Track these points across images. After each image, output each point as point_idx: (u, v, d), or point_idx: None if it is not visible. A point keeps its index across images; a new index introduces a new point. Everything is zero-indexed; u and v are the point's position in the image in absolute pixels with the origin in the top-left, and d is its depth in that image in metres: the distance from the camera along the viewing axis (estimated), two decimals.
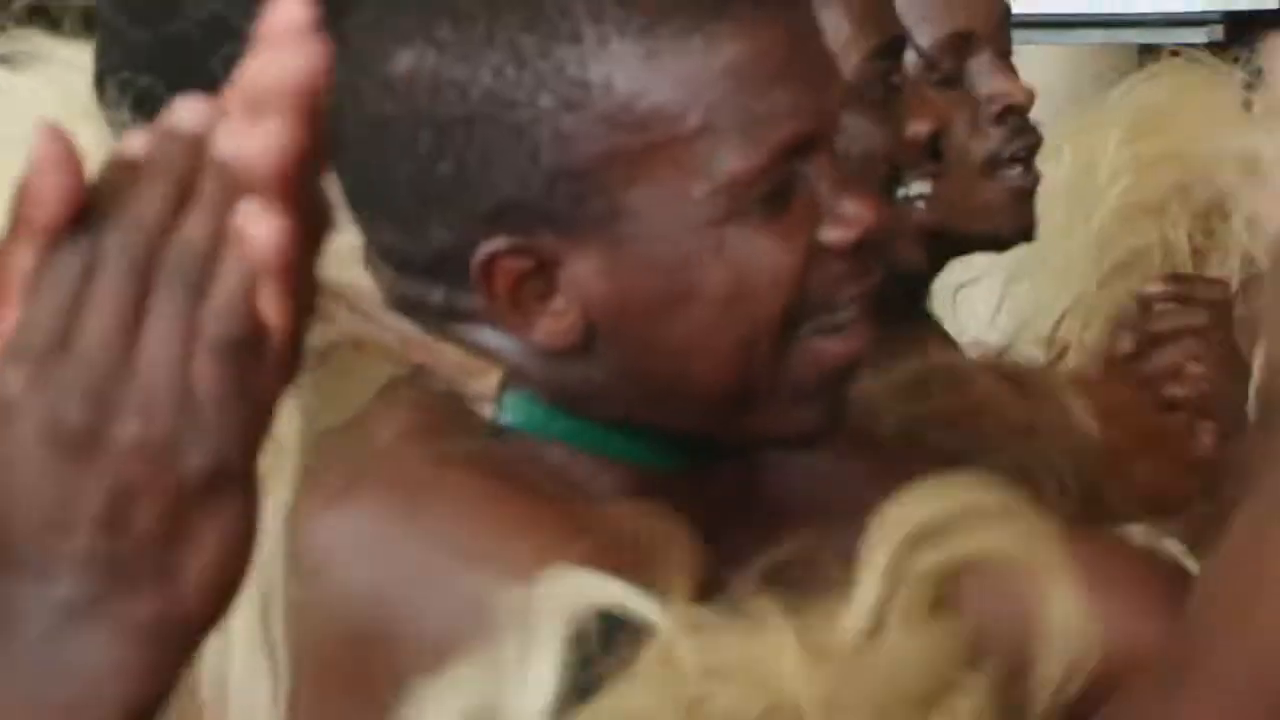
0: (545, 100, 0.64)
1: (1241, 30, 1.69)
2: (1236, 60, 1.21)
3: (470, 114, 0.65)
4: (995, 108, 1.01)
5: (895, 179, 0.94)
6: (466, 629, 0.59)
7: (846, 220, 0.67)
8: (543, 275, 0.65)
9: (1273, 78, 1.08)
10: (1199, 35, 1.76)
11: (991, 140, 1.00)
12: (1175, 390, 1.00)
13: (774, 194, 0.65)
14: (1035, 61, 1.52)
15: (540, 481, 0.66)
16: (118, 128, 0.82)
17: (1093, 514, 0.83)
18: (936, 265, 1.03)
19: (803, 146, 0.66)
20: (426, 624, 0.63)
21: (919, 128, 0.98)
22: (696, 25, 0.65)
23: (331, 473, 0.65)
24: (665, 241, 0.65)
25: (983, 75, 1.00)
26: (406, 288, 0.68)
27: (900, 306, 0.95)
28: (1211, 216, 1.05)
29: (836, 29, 0.87)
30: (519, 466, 0.66)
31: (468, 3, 0.66)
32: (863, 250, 0.68)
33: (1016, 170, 1.01)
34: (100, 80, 0.87)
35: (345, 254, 0.68)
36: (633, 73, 0.64)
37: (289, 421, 0.62)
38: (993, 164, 1.00)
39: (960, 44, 1.00)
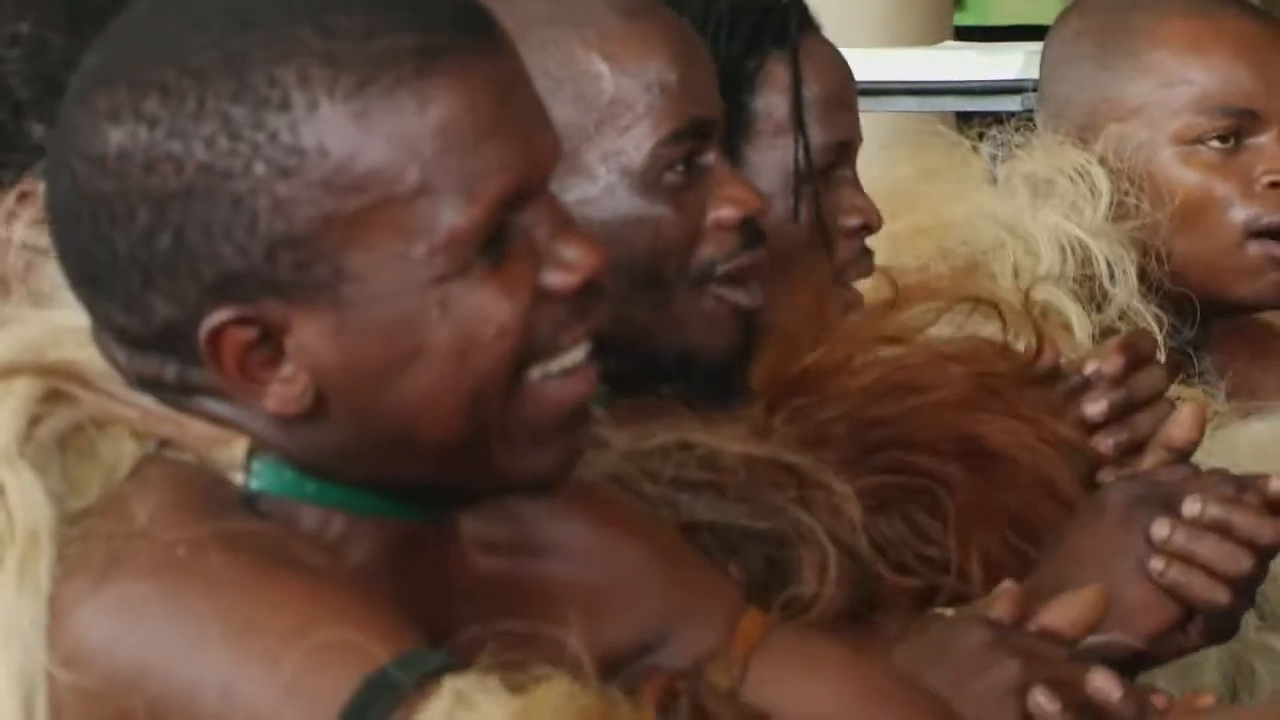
0: (260, 169, 0.64)
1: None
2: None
3: (186, 188, 0.65)
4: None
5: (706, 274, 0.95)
6: (229, 707, 0.62)
7: (568, 265, 0.68)
8: (270, 343, 0.66)
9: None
10: (1013, 103, 1.78)
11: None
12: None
13: (492, 246, 0.66)
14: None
15: (295, 549, 0.67)
16: None
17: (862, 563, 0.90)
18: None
19: (517, 197, 0.67)
20: (193, 704, 0.63)
21: (723, 213, 0.95)
22: (405, 83, 0.65)
23: (91, 558, 0.64)
24: (388, 303, 0.66)
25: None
26: (141, 366, 0.68)
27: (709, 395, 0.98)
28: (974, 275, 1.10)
29: (633, 112, 0.93)
30: (273, 537, 0.66)
31: (175, 77, 0.65)
32: (586, 292, 0.69)
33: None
34: None
35: (81, 334, 0.70)
36: (345, 135, 0.64)
37: (41, 510, 0.64)
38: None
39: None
